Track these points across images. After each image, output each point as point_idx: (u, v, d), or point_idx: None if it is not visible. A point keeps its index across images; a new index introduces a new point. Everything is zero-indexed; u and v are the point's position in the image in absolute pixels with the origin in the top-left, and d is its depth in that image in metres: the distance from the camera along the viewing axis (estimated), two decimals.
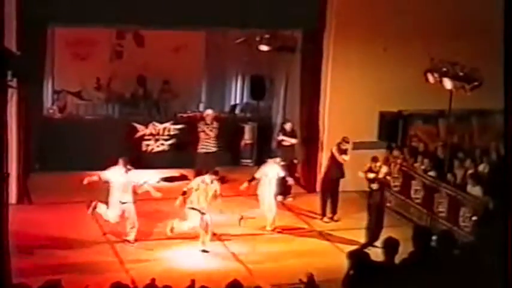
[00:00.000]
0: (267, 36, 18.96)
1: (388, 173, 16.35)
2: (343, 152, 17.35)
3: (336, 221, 17.21)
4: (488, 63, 15.38)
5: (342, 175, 17.39)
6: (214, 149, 18.97)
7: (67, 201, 17.31)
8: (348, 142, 17.35)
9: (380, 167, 16.12)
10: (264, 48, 19.18)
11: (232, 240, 15.76)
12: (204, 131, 18.92)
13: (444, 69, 16.73)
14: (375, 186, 15.96)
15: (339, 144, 17.44)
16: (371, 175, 16.00)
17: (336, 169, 17.39)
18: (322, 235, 16.49)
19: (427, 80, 17.05)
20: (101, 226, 15.91)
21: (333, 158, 17.48)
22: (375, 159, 16.38)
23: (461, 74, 16.50)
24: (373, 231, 15.62)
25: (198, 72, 22.36)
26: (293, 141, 18.48)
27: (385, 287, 8.42)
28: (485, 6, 16.95)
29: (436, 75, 16.97)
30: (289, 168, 18.31)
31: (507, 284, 6.22)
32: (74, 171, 18.47)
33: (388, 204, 17.16)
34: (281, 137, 18.56)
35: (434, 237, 9.12)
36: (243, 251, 15.36)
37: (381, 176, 15.98)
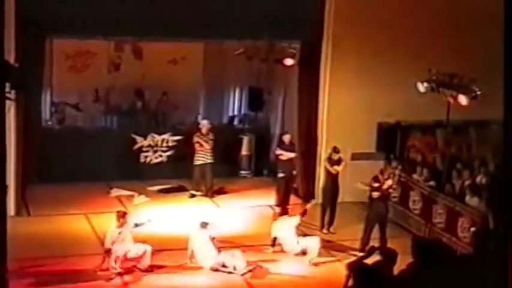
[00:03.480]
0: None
1: (391, 187, 16.38)
2: (335, 162, 17.32)
3: (333, 233, 17.20)
4: (486, 74, 15.47)
5: (337, 187, 17.36)
6: (210, 161, 18.96)
7: (65, 213, 17.32)
8: (338, 152, 17.31)
9: (386, 179, 16.18)
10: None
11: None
12: (198, 142, 18.90)
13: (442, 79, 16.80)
14: (376, 194, 16.00)
15: (330, 155, 17.45)
16: (376, 184, 16.04)
17: (331, 181, 17.37)
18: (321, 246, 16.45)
19: (417, 90, 17.10)
20: (99, 239, 15.88)
21: (326, 169, 17.50)
22: (382, 171, 16.55)
23: (459, 84, 16.54)
24: (368, 241, 15.69)
25: (196, 83, 22.38)
26: (291, 155, 18.35)
27: None
28: (484, 17, 17.05)
29: (433, 85, 17.00)
30: (288, 179, 18.32)
31: None
32: (73, 182, 18.53)
33: None
34: (279, 151, 18.43)
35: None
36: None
37: (385, 187, 16.03)
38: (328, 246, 16.35)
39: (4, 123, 12.21)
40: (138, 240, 14.78)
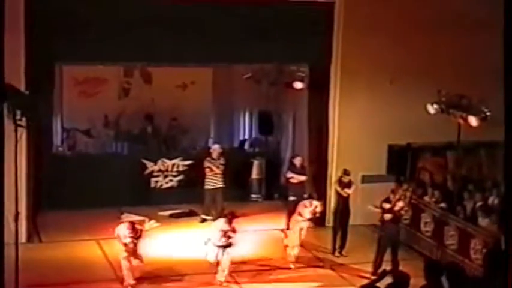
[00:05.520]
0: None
1: (403, 208, 16.33)
2: (346, 185, 17.30)
3: (344, 256, 17.14)
4: (496, 94, 15.43)
5: (348, 210, 17.33)
6: (221, 185, 18.94)
7: (77, 239, 17.32)
8: (348, 175, 17.28)
9: (397, 200, 16.15)
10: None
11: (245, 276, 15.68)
12: (209, 167, 18.88)
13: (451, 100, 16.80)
14: (388, 216, 15.96)
15: (340, 178, 17.43)
16: (387, 205, 16.01)
17: (342, 204, 17.34)
18: (332, 269, 16.40)
19: (427, 111, 17.11)
20: (111, 264, 15.87)
21: (337, 192, 17.49)
22: (394, 191, 16.50)
23: (468, 105, 16.54)
24: (380, 264, 15.65)
25: (206, 108, 22.44)
26: (302, 178, 18.34)
27: None
28: (495, 38, 17.03)
29: (442, 106, 17.00)
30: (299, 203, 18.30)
31: None
32: (84, 209, 18.54)
33: None
34: (290, 175, 18.43)
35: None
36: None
37: (396, 208, 16.01)
38: (340, 270, 16.31)
39: (16, 150, 12.27)
40: (148, 263, 14.79)
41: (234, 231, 15.16)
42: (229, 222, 15.28)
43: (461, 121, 16.69)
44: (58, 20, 16.80)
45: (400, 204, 16.17)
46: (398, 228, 16.36)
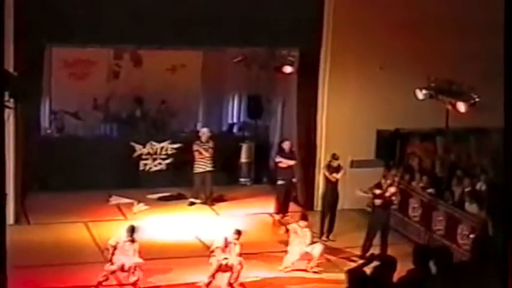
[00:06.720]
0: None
1: (394, 194, 16.34)
2: (335, 170, 17.31)
3: (332, 240, 17.18)
4: (485, 81, 15.50)
5: (337, 194, 17.36)
6: (210, 169, 18.95)
7: (65, 221, 17.30)
8: (337, 159, 17.29)
9: (389, 186, 16.16)
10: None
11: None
12: (198, 151, 18.89)
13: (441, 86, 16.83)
14: (378, 202, 15.98)
15: (329, 162, 17.44)
16: (378, 191, 16.02)
17: (331, 188, 17.37)
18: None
19: (416, 97, 17.12)
20: (99, 247, 15.86)
21: (325, 177, 17.50)
22: (385, 177, 16.51)
23: (457, 91, 16.56)
24: (369, 248, 15.69)
25: (195, 91, 22.38)
26: (291, 163, 18.34)
27: None
28: (483, 25, 17.09)
29: (431, 92, 17.01)
30: (288, 187, 18.31)
31: None
32: (72, 191, 18.52)
33: None
34: (279, 159, 18.42)
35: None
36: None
37: (387, 194, 16.03)
38: (328, 254, 16.34)
39: (4, 131, 12.23)
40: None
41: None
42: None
43: (450, 107, 16.73)
44: (48, 1, 16.74)
45: (392, 189, 16.19)
46: (389, 213, 16.40)
